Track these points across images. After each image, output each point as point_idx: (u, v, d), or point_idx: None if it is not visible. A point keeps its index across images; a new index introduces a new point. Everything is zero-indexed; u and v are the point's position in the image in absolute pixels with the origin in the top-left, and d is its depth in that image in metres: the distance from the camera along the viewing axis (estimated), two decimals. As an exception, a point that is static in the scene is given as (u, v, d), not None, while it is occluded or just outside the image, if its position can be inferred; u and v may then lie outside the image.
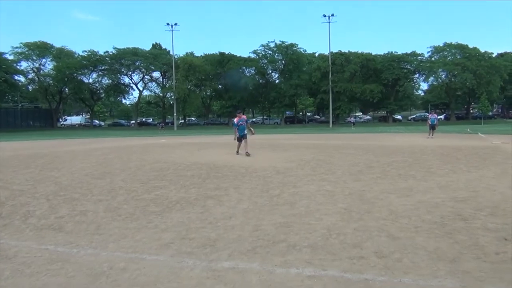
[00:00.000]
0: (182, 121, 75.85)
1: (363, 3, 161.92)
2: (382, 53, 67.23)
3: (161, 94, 73.68)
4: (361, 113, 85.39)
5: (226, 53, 68.20)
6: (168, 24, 64.05)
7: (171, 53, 68.72)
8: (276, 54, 67.49)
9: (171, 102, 68.73)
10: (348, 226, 5.42)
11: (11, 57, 63.78)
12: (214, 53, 69.65)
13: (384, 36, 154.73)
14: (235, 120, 15.15)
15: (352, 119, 61.58)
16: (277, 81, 70.88)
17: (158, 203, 6.75)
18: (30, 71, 68.17)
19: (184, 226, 5.45)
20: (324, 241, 4.80)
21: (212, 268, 4.04)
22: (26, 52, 65.39)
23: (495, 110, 78.79)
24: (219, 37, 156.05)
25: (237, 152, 14.93)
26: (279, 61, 68.22)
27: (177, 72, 64.26)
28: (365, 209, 6.33)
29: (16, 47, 64.60)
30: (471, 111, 71.96)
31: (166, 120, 73.35)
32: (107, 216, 5.95)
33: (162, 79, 73.83)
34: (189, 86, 67.34)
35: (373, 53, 67.27)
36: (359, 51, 66.56)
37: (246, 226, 5.43)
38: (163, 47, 77.51)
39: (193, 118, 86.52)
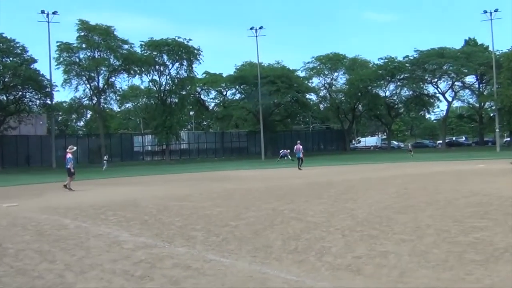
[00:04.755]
0: (508, 139, 61.42)
1: None
2: None
3: (477, 105, 61.06)
4: None
5: None
6: (485, 11, 49.14)
7: (490, 49, 54.78)
8: None
9: (492, 114, 56.52)
10: None
11: (302, 74, 61.64)
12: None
13: None
14: None
15: None
16: None
17: (478, 250, 5.59)
18: (321, 88, 64.60)
19: (520, 284, 4.25)
20: None
21: None
22: (318, 67, 62.77)
23: None
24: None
25: None
26: None
27: (499, 74, 49.63)
28: None
29: (308, 62, 61.91)
30: None
31: (486, 139, 60.54)
32: (413, 261, 5.16)
33: (479, 85, 60.75)
34: (517, 92, 51.71)
35: None
36: None
37: None
38: (479, 42, 63.65)
39: (524, 135, 68.87)
